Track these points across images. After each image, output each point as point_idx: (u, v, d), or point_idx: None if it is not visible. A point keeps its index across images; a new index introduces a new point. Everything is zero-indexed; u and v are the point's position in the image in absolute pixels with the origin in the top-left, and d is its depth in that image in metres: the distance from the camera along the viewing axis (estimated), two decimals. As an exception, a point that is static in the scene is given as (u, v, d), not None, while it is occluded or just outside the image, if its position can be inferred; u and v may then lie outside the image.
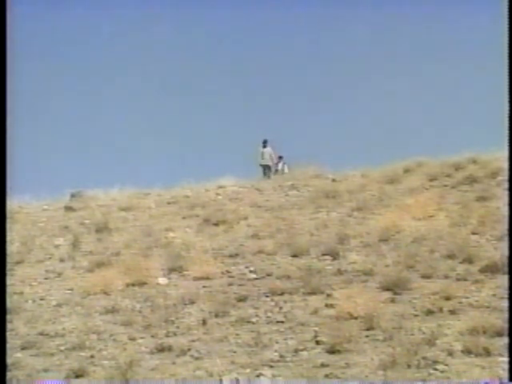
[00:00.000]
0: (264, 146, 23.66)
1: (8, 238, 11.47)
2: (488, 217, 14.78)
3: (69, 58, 39.29)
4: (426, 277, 12.11)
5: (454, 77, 36.65)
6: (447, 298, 11.02)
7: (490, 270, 12.00)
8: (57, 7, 34.17)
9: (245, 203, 18.51)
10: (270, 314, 11.06)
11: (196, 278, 13.08)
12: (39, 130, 32.17)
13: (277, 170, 23.57)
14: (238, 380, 8.73)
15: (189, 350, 9.88)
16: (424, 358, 8.92)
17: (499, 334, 9.32)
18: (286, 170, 23.43)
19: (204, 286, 12.64)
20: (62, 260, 14.89)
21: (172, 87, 39.23)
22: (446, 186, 18.02)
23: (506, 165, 13.43)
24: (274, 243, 14.66)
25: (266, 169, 23.48)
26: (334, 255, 13.62)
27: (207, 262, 13.52)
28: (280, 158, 23.93)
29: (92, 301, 12.25)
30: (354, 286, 11.84)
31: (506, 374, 8.23)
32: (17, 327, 11.09)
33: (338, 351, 9.47)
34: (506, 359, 8.43)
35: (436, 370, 8.69)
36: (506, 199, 11.17)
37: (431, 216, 15.60)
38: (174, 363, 9.52)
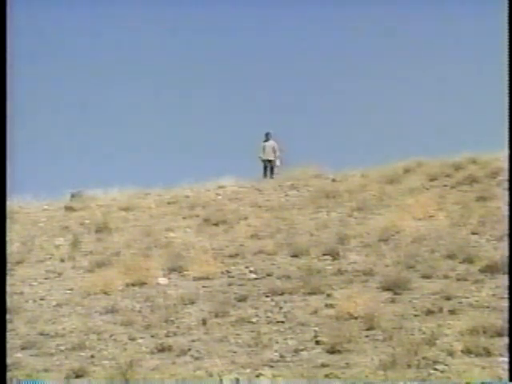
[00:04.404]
0: (266, 140, 22.62)
1: (8, 238, 11.49)
2: (488, 217, 14.78)
3: (69, 58, 39.29)
4: (425, 277, 12.11)
5: (454, 77, 36.67)
6: (447, 298, 11.02)
7: (490, 269, 11.99)
8: (57, 7, 34.17)
9: (245, 203, 18.51)
10: (269, 314, 11.06)
11: (196, 278, 13.08)
12: (39, 129, 32.17)
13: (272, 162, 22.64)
14: (238, 380, 8.73)
15: (189, 349, 9.88)
16: (424, 357, 8.92)
17: (499, 334, 9.31)
18: (278, 163, 22.66)
19: (204, 286, 12.65)
20: (62, 260, 14.89)
21: (172, 86, 39.23)
22: (445, 186, 18.01)
23: (506, 165, 13.50)
24: (274, 243, 14.66)
25: (267, 164, 22.47)
26: (334, 255, 13.62)
27: (207, 262, 13.52)
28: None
29: (92, 301, 12.26)
30: (354, 286, 11.84)
31: (506, 374, 8.24)
32: (17, 327, 11.10)
33: (338, 351, 9.47)
34: (506, 359, 8.44)
35: (436, 370, 8.69)
36: (506, 199, 11.20)
37: (431, 216, 15.60)
38: (174, 363, 9.52)
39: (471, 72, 35.68)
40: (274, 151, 22.57)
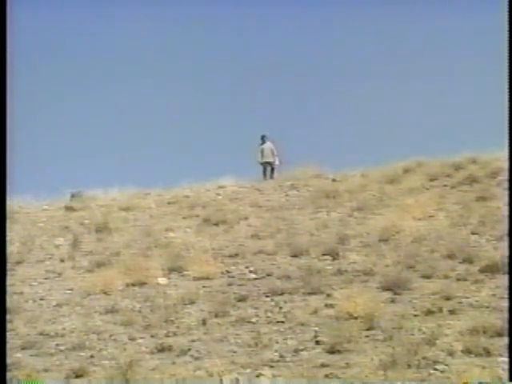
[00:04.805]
0: (263, 142, 22.50)
1: (8, 238, 11.49)
2: (488, 217, 14.79)
3: (69, 58, 39.29)
4: (425, 277, 12.11)
5: (455, 76, 36.68)
6: (447, 298, 11.02)
7: (490, 269, 12.00)
8: (57, 7, 34.18)
9: (245, 203, 18.51)
10: (270, 314, 11.06)
11: (196, 278, 13.08)
12: (39, 129, 32.17)
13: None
14: (238, 380, 8.73)
15: (189, 349, 9.87)
16: (424, 357, 8.92)
17: (499, 334, 9.31)
18: (277, 163, 22.46)
19: (204, 286, 12.65)
20: (62, 260, 14.89)
21: (172, 86, 39.22)
22: (445, 186, 18.03)
23: (506, 165, 13.49)
24: (274, 243, 14.67)
25: (267, 166, 22.40)
26: (334, 255, 13.62)
27: (207, 262, 13.52)
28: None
29: (92, 301, 12.26)
30: (354, 286, 11.83)
31: (506, 374, 8.23)
32: (17, 327, 11.09)
33: (338, 351, 9.46)
34: (506, 359, 8.43)
35: (436, 370, 8.69)
36: (506, 199, 11.20)
37: (431, 216, 15.61)
38: (174, 363, 9.52)
39: (471, 72, 35.69)
40: (272, 152, 22.45)
